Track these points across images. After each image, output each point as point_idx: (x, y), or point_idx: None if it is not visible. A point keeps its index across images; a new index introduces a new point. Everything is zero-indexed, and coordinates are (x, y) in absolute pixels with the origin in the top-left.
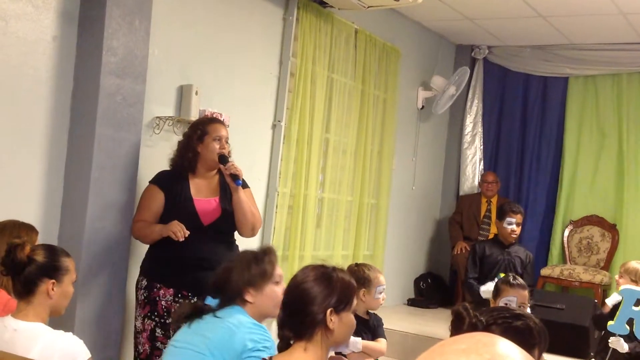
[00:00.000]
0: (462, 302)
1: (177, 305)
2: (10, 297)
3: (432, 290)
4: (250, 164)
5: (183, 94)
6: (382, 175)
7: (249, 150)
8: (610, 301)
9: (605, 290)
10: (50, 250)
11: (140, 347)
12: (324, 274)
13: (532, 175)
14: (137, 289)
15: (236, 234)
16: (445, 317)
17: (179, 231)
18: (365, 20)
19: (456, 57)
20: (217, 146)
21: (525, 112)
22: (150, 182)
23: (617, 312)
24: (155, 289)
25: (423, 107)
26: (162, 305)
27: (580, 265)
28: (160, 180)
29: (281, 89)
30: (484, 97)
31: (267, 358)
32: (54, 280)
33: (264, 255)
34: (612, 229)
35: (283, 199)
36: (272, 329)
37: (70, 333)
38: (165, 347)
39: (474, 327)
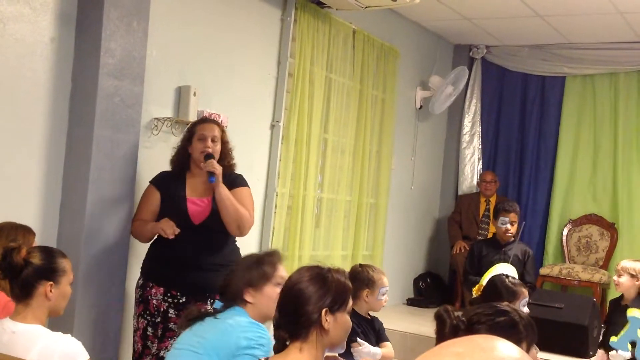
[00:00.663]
0: (444, 305)
1: (166, 304)
2: (8, 300)
3: (431, 289)
4: (248, 164)
5: (181, 95)
6: (381, 175)
7: (247, 151)
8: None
9: (605, 289)
10: (46, 252)
11: (135, 346)
12: (318, 274)
13: (531, 174)
14: (135, 287)
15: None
16: None
17: (168, 228)
18: (363, 21)
19: (454, 57)
20: (201, 145)
21: (523, 112)
22: (149, 182)
23: (622, 332)
24: (148, 288)
25: (421, 107)
26: (154, 303)
27: (579, 264)
28: (157, 180)
29: (279, 89)
30: (482, 96)
31: (262, 358)
32: (51, 282)
33: (266, 257)
34: (611, 228)
35: (282, 200)
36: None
37: (69, 335)
38: (154, 347)
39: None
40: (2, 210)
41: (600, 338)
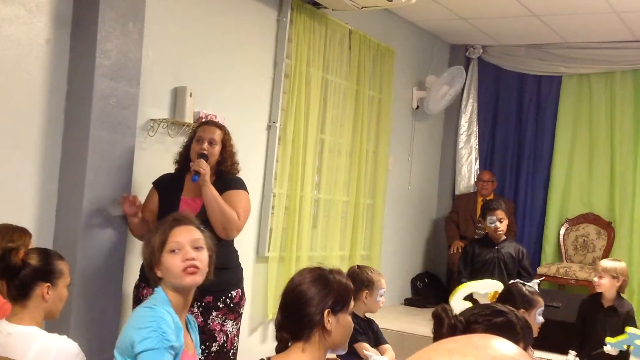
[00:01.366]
0: (442, 304)
1: None
2: (5, 301)
3: (429, 289)
4: (245, 165)
5: (177, 96)
6: (378, 175)
7: (244, 152)
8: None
9: None
10: (44, 253)
11: None
12: (320, 275)
13: (528, 173)
14: (133, 288)
15: (240, 235)
16: None
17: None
18: (359, 21)
19: (451, 57)
20: (198, 147)
21: (520, 111)
22: (152, 183)
23: (619, 338)
24: (141, 288)
25: (418, 107)
26: None
27: (576, 263)
28: (158, 181)
29: (276, 90)
30: (479, 96)
31: (265, 359)
32: (48, 284)
33: (159, 226)
34: (607, 227)
35: (279, 200)
36: (269, 330)
37: (65, 336)
38: None
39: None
40: None
41: (578, 338)
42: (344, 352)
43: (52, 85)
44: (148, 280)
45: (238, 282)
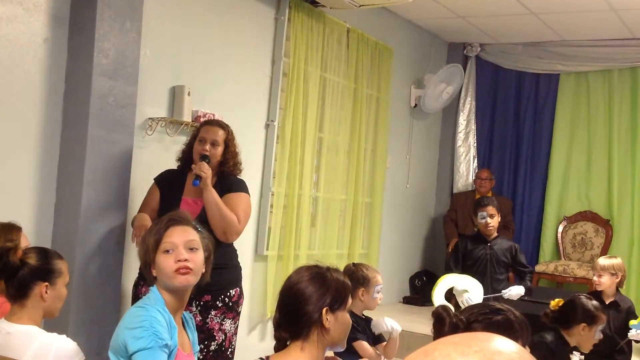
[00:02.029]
0: (443, 304)
1: None
2: (3, 300)
3: (427, 288)
4: (244, 164)
5: (175, 95)
6: (376, 173)
7: (242, 151)
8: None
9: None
10: (43, 253)
11: None
12: (318, 273)
13: (526, 171)
14: (132, 286)
15: (241, 236)
16: None
17: (135, 235)
18: (357, 19)
19: (449, 55)
20: (200, 148)
21: (518, 109)
22: (154, 179)
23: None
24: (139, 286)
25: (416, 105)
26: None
27: (574, 260)
28: (160, 178)
29: (274, 88)
30: (477, 94)
31: (264, 357)
32: (47, 283)
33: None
34: (606, 225)
35: (277, 199)
36: (268, 329)
37: (64, 335)
38: None
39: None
40: None
41: None
42: (342, 350)
43: (50, 84)
44: (144, 277)
45: (237, 281)
